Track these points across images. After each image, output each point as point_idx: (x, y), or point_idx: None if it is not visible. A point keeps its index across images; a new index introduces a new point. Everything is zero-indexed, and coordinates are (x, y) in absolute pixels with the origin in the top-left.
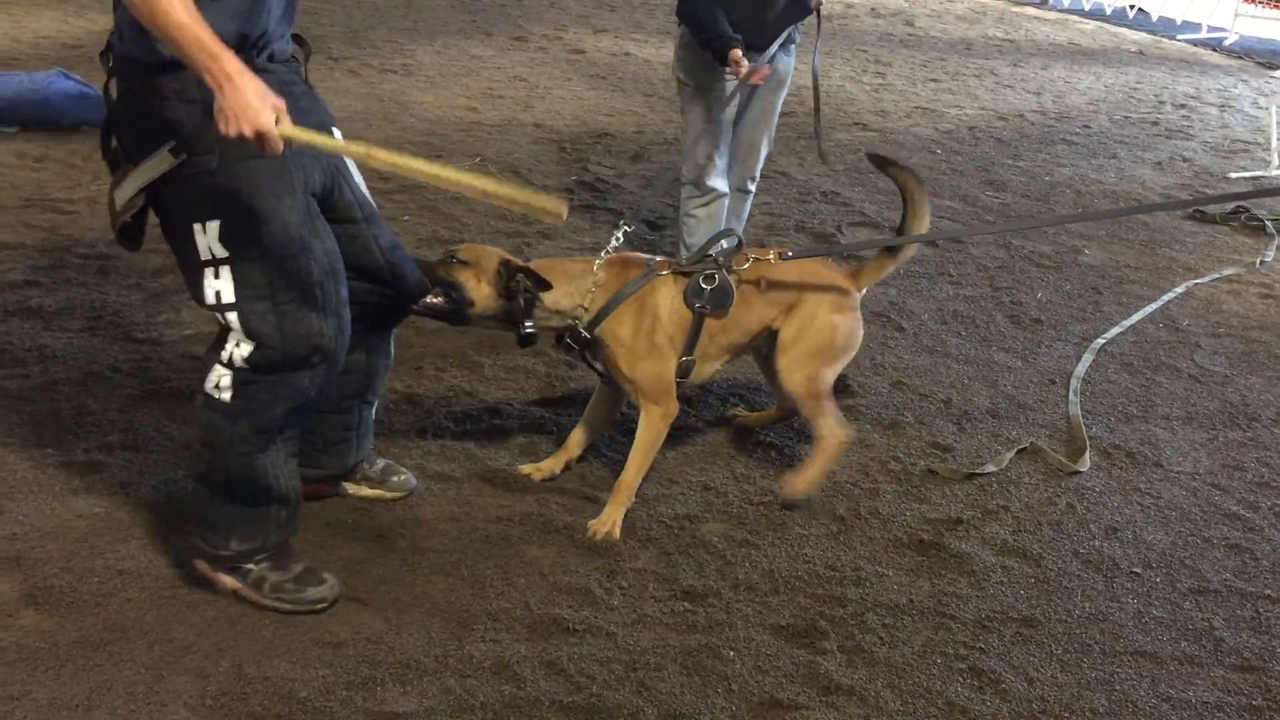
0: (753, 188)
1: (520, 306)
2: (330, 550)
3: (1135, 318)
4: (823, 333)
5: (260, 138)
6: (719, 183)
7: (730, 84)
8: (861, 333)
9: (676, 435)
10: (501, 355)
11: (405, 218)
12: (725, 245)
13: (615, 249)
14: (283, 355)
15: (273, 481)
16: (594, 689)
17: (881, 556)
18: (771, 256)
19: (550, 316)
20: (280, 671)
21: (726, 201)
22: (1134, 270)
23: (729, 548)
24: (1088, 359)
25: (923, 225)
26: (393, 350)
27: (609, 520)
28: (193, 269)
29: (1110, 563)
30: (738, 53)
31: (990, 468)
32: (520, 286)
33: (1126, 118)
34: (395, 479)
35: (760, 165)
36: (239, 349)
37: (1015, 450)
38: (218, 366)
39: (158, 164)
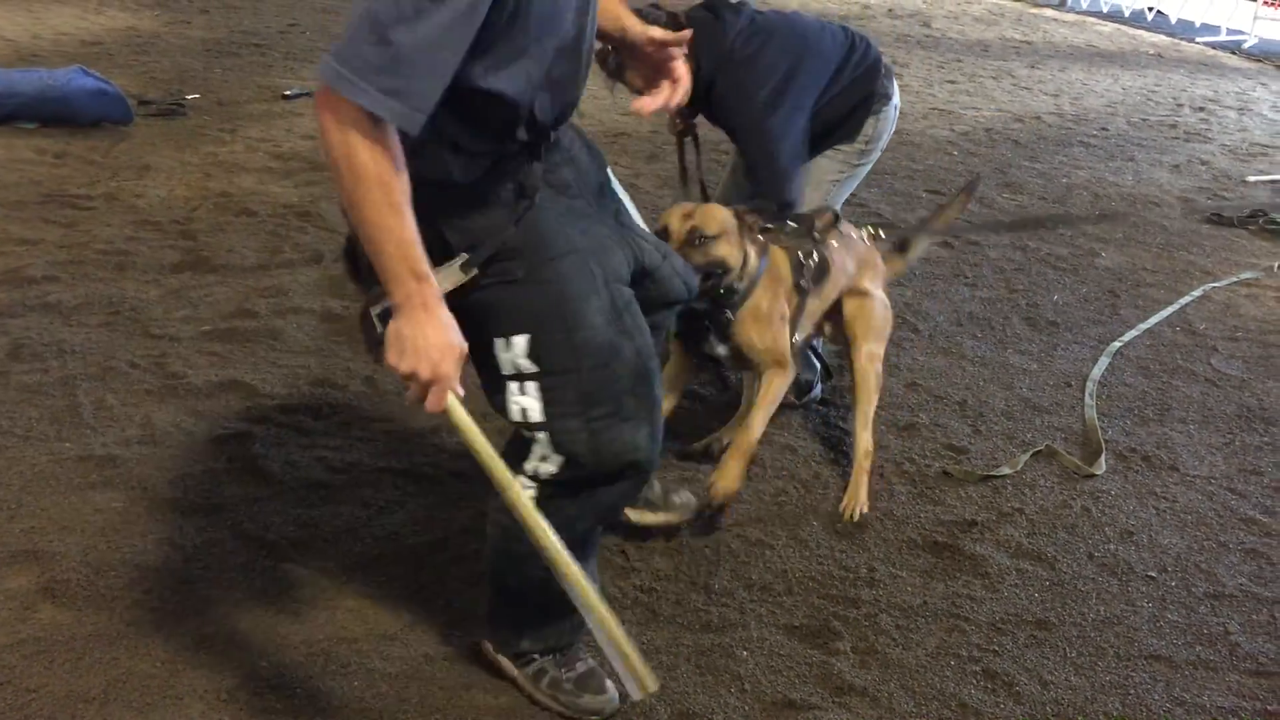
0: None
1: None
2: (342, 546)
3: (1152, 321)
4: (879, 313)
5: (431, 384)
6: None
7: None
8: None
9: (688, 434)
10: None
11: None
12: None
13: None
14: (593, 473)
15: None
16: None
17: (895, 558)
18: (867, 233)
19: (737, 276)
20: (295, 667)
21: None
22: (1151, 273)
23: (743, 547)
24: (1104, 362)
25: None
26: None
27: (733, 475)
28: (495, 381)
29: (1125, 566)
30: None
31: (1005, 470)
32: (754, 225)
33: (1144, 120)
34: (675, 499)
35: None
36: (544, 464)
37: (1030, 453)
38: (521, 477)
39: (450, 278)
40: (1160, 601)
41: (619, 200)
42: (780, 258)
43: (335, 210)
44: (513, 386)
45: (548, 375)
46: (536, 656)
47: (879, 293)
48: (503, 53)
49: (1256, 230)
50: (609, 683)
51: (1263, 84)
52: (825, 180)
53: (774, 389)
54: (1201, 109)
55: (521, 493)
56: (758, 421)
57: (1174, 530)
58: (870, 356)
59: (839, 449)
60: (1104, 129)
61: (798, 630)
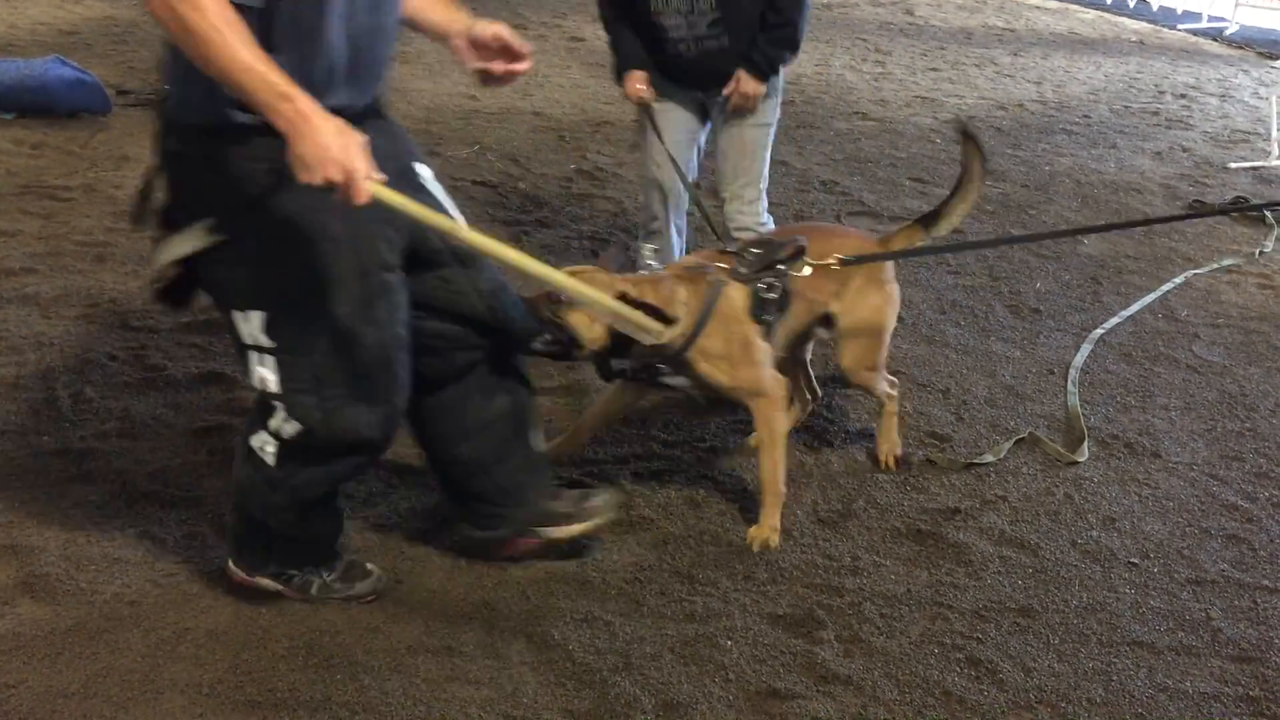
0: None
1: (627, 343)
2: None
3: (1134, 308)
4: (877, 314)
5: (347, 182)
6: (669, 217)
7: (669, 101)
8: (898, 295)
9: (673, 426)
10: None
11: None
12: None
13: (651, 265)
14: (326, 444)
15: (313, 529)
16: (590, 677)
17: (879, 546)
18: (833, 262)
19: (644, 350)
20: (276, 660)
21: (677, 241)
22: (1133, 260)
23: (726, 537)
24: (1086, 349)
25: (964, 208)
26: (528, 378)
27: (769, 527)
28: (238, 348)
29: (1108, 553)
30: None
31: (988, 458)
32: (690, 274)
33: (1126, 107)
34: (590, 504)
35: (753, 209)
36: (285, 425)
37: (1013, 440)
38: (264, 432)
39: (191, 239)
40: (1142, 588)
41: (430, 196)
42: (734, 294)
43: None
44: (253, 356)
45: (283, 353)
46: (294, 571)
47: (880, 292)
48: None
49: (1239, 217)
50: (369, 565)
51: (1244, 71)
52: (759, 153)
53: (770, 426)
54: (1183, 96)
55: (468, 232)
56: (769, 464)
57: (1156, 517)
58: (863, 372)
59: (823, 437)
60: (1086, 116)
61: (782, 619)
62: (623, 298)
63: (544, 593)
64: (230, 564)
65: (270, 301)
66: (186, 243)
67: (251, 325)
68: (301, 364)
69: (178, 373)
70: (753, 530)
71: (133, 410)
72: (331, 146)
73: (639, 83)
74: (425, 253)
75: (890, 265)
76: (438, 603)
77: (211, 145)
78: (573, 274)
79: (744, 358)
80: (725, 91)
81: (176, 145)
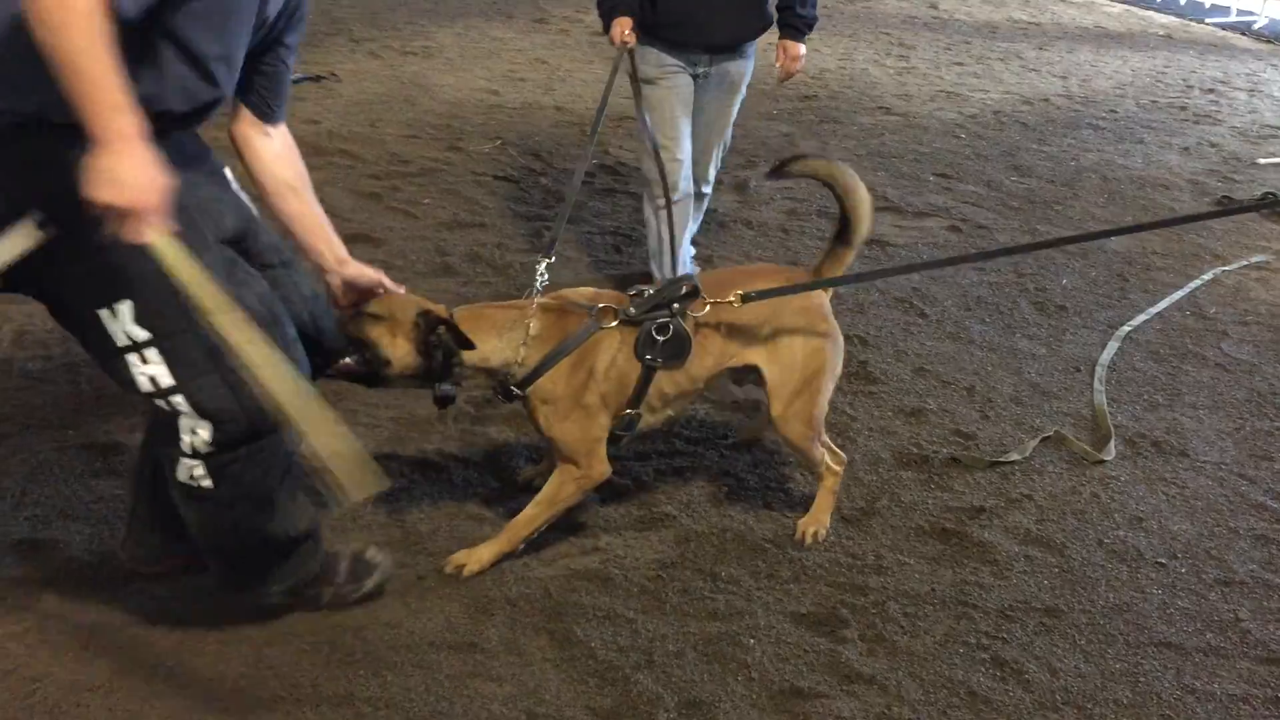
0: (708, 190)
1: (439, 364)
2: (348, 533)
3: (1162, 305)
4: (811, 363)
5: (134, 216)
6: (683, 181)
7: (671, 78)
8: (842, 340)
9: (696, 423)
10: None
11: (425, 201)
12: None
13: (541, 290)
14: (249, 425)
15: (291, 531)
16: (612, 675)
17: (903, 545)
18: (733, 300)
19: (475, 374)
20: (299, 655)
21: (690, 202)
22: (1161, 257)
23: (749, 535)
24: (1113, 346)
25: (865, 211)
26: None
27: (478, 557)
28: (111, 357)
29: (1135, 553)
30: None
31: (1014, 456)
32: (439, 343)
33: (1154, 102)
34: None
35: (715, 169)
36: (198, 435)
37: (1039, 438)
38: (183, 459)
39: (20, 240)
40: (1170, 588)
41: (240, 196)
42: (609, 340)
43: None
44: (132, 359)
45: (164, 337)
46: (305, 589)
47: (814, 339)
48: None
49: (1269, 214)
50: (370, 552)
51: (1273, 65)
52: (733, 115)
53: (561, 486)
54: (1211, 91)
55: (236, 315)
56: (526, 518)
57: (1184, 516)
58: (793, 421)
59: (846, 435)
60: (1113, 111)
61: (805, 618)
62: (425, 315)
63: (566, 589)
64: (238, 598)
65: (133, 286)
66: (16, 244)
67: (122, 320)
68: (188, 342)
69: None
70: (461, 553)
71: None
72: (135, 176)
73: (626, 28)
74: (255, 251)
75: (828, 309)
76: (459, 599)
77: (33, 140)
78: (377, 305)
79: (571, 412)
80: (777, 62)
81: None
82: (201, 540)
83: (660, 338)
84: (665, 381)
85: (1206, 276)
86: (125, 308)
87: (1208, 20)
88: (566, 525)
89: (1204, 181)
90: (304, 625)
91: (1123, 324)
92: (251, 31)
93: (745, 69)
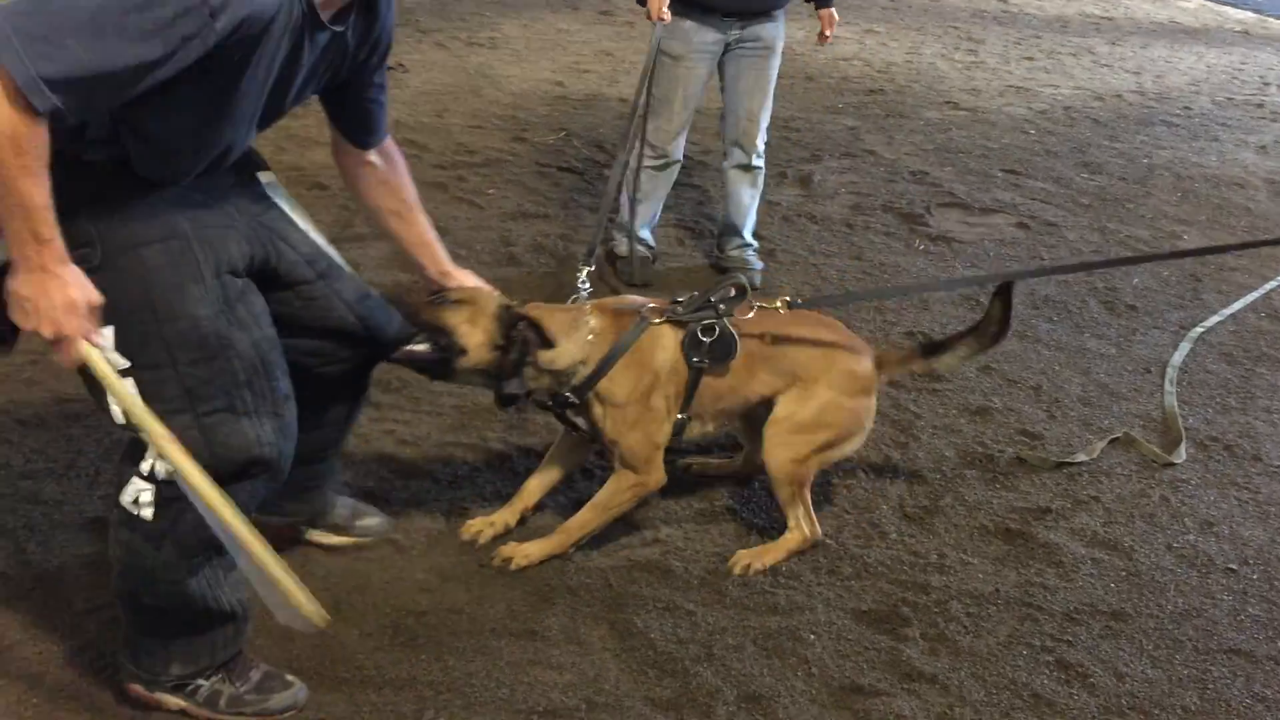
0: (759, 163)
1: (514, 361)
2: (411, 519)
3: (1235, 306)
4: (826, 413)
5: (56, 342)
6: (676, 148)
7: (700, 56)
8: (871, 422)
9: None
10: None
11: (490, 191)
12: (731, 293)
13: (586, 294)
14: (214, 472)
15: (211, 603)
16: (672, 666)
17: (967, 544)
18: (779, 305)
19: (540, 375)
20: (363, 639)
21: (677, 168)
22: (1235, 258)
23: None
24: (1185, 348)
25: (972, 350)
26: (368, 386)
27: (525, 553)
28: (92, 383)
29: (1205, 558)
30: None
31: (1081, 457)
32: (520, 339)
33: (1229, 99)
34: (362, 523)
35: (761, 138)
36: (161, 463)
37: (1108, 440)
38: (136, 480)
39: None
40: (1241, 595)
41: (274, 205)
42: (659, 337)
43: None
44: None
45: (142, 370)
46: (202, 682)
47: (844, 398)
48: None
49: None
50: (289, 676)
51: None
52: (768, 90)
53: (618, 493)
54: None
55: (172, 442)
56: (581, 521)
57: (1256, 522)
58: (780, 448)
59: (910, 432)
60: (1187, 108)
61: (866, 615)
62: (507, 309)
63: (626, 580)
64: (127, 679)
65: (120, 312)
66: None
67: (105, 344)
68: (165, 378)
69: None
70: (513, 545)
71: None
72: (56, 304)
73: (664, 4)
74: (283, 270)
75: (872, 387)
76: (521, 587)
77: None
78: (460, 293)
79: (641, 417)
80: (824, 31)
81: None
82: (119, 581)
83: (706, 339)
84: (715, 391)
85: None
86: (108, 333)
87: None
88: (627, 516)
89: None
90: (367, 609)
91: (1195, 325)
92: (290, 93)
93: (777, 33)
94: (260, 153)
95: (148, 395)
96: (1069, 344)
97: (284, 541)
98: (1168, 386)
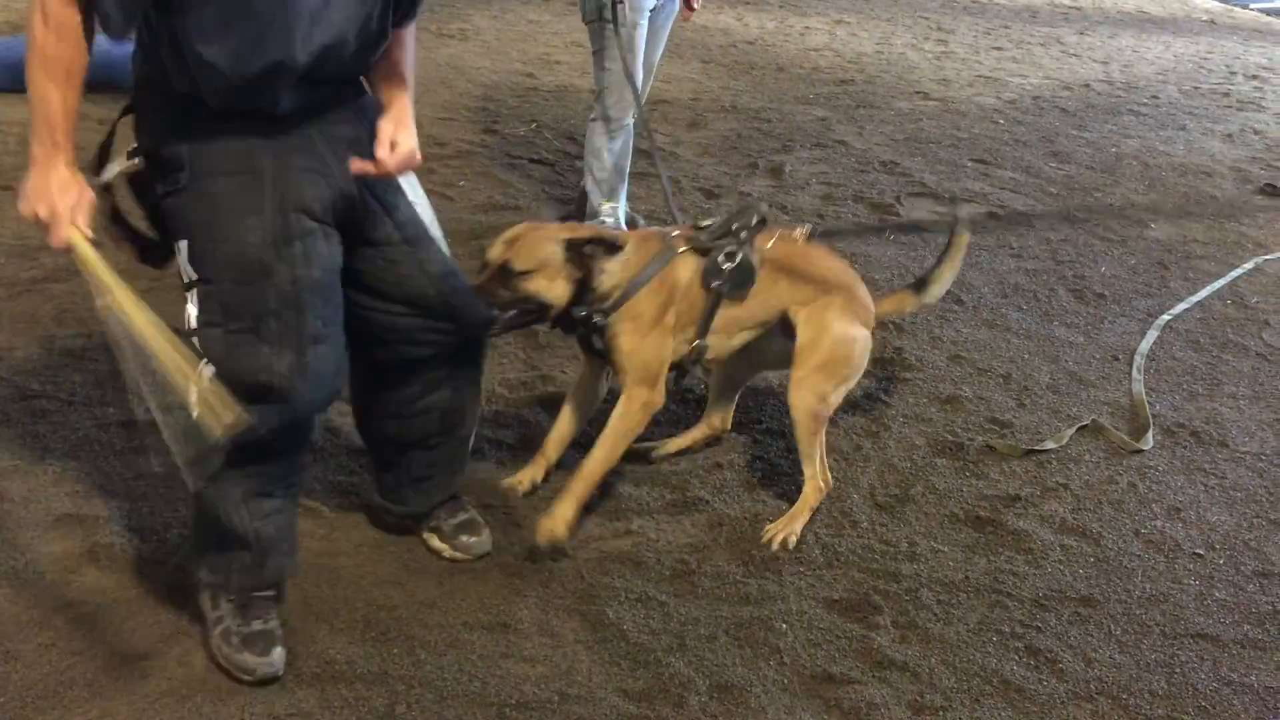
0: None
1: (596, 281)
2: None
3: (1202, 294)
4: (842, 348)
5: (49, 223)
6: (631, 114)
7: (645, 19)
8: (869, 347)
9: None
10: None
11: (461, 183)
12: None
13: (606, 222)
14: (230, 386)
15: (231, 521)
16: (644, 657)
17: (937, 532)
18: (798, 235)
19: (597, 297)
20: (334, 634)
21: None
22: (1202, 245)
23: (780, 518)
24: (1152, 335)
25: (951, 272)
26: (482, 381)
27: (561, 518)
28: (182, 290)
29: (1172, 543)
30: None
31: (1050, 444)
32: (595, 255)
33: (1196, 88)
34: (465, 539)
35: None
36: (206, 368)
37: (1076, 427)
38: (203, 364)
39: (116, 165)
40: (1208, 579)
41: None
42: (684, 263)
43: None
44: (190, 294)
45: (202, 282)
46: (222, 602)
47: (851, 328)
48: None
49: None
50: (277, 650)
51: None
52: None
53: (629, 415)
54: (1255, 77)
55: (127, 296)
56: (599, 457)
57: (1223, 507)
58: (807, 389)
59: (880, 421)
60: (1155, 97)
61: (837, 604)
62: (568, 243)
63: (598, 572)
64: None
65: (192, 229)
66: (113, 168)
67: (183, 256)
68: (212, 293)
69: None
70: (544, 520)
71: None
72: (54, 189)
73: None
74: (368, 229)
75: (870, 312)
76: (493, 580)
77: (146, 90)
78: (515, 232)
79: (651, 332)
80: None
81: (137, 94)
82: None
83: (727, 265)
84: (732, 311)
85: (1248, 265)
86: (184, 246)
87: (1252, 5)
88: (599, 508)
89: (1247, 169)
90: (338, 604)
91: (1162, 312)
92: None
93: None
94: None
95: (201, 307)
96: (1038, 332)
97: (400, 530)
98: (1135, 374)
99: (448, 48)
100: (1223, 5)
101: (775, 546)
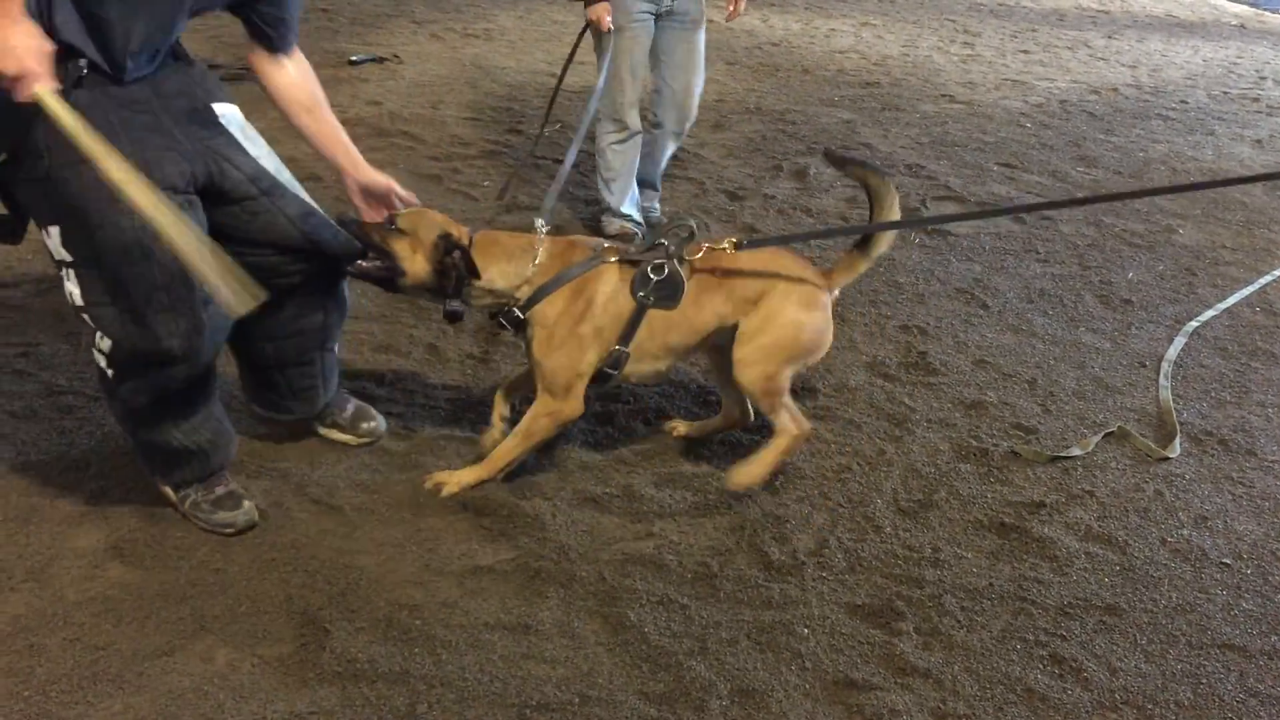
0: (688, 128)
1: (452, 283)
2: (404, 512)
3: (1230, 300)
4: (787, 329)
5: (16, 78)
6: (634, 118)
7: (639, 25)
8: (831, 334)
9: (755, 410)
10: None
11: (485, 183)
12: (679, 234)
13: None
14: (132, 355)
15: (170, 444)
16: (665, 660)
17: (961, 538)
18: (726, 246)
19: (483, 295)
20: (356, 632)
21: (640, 137)
22: (1230, 251)
23: (804, 524)
24: (1180, 342)
25: (889, 236)
26: (347, 299)
27: (455, 480)
28: (54, 268)
29: (1199, 552)
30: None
31: (1075, 451)
32: (453, 264)
33: (1226, 93)
34: (365, 425)
35: (695, 108)
36: (102, 341)
37: (1102, 434)
38: (95, 346)
39: None
40: (1235, 589)
41: (223, 131)
42: (603, 272)
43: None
44: (64, 272)
45: (79, 266)
46: (188, 491)
47: (801, 313)
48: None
49: None
50: (246, 502)
51: None
52: (699, 61)
53: (534, 420)
54: None
55: (109, 157)
56: (505, 449)
57: (1250, 516)
58: (751, 367)
59: (904, 426)
60: (1183, 102)
61: (860, 609)
62: (445, 237)
63: (620, 574)
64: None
65: (61, 215)
66: None
67: (54, 240)
68: (94, 276)
69: None
70: (439, 474)
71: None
72: (18, 46)
73: (605, 13)
74: (228, 187)
75: (825, 293)
76: (514, 581)
77: None
78: (406, 220)
79: (565, 341)
80: (728, 8)
81: None
82: (120, 420)
83: (655, 277)
84: (662, 327)
85: (1277, 272)
86: (55, 230)
87: None
88: (621, 510)
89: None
90: (360, 602)
91: (1190, 319)
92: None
93: (702, 5)
94: (229, 92)
95: (83, 287)
96: (1064, 338)
97: (296, 435)
98: (1162, 381)
99: (472, 48)
100: (1253, 10)
101: (729, 485)
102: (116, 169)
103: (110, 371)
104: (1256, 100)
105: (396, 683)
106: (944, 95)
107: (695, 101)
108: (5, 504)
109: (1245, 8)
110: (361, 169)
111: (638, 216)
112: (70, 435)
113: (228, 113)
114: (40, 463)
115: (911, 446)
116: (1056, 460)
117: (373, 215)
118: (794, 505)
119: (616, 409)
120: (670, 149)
